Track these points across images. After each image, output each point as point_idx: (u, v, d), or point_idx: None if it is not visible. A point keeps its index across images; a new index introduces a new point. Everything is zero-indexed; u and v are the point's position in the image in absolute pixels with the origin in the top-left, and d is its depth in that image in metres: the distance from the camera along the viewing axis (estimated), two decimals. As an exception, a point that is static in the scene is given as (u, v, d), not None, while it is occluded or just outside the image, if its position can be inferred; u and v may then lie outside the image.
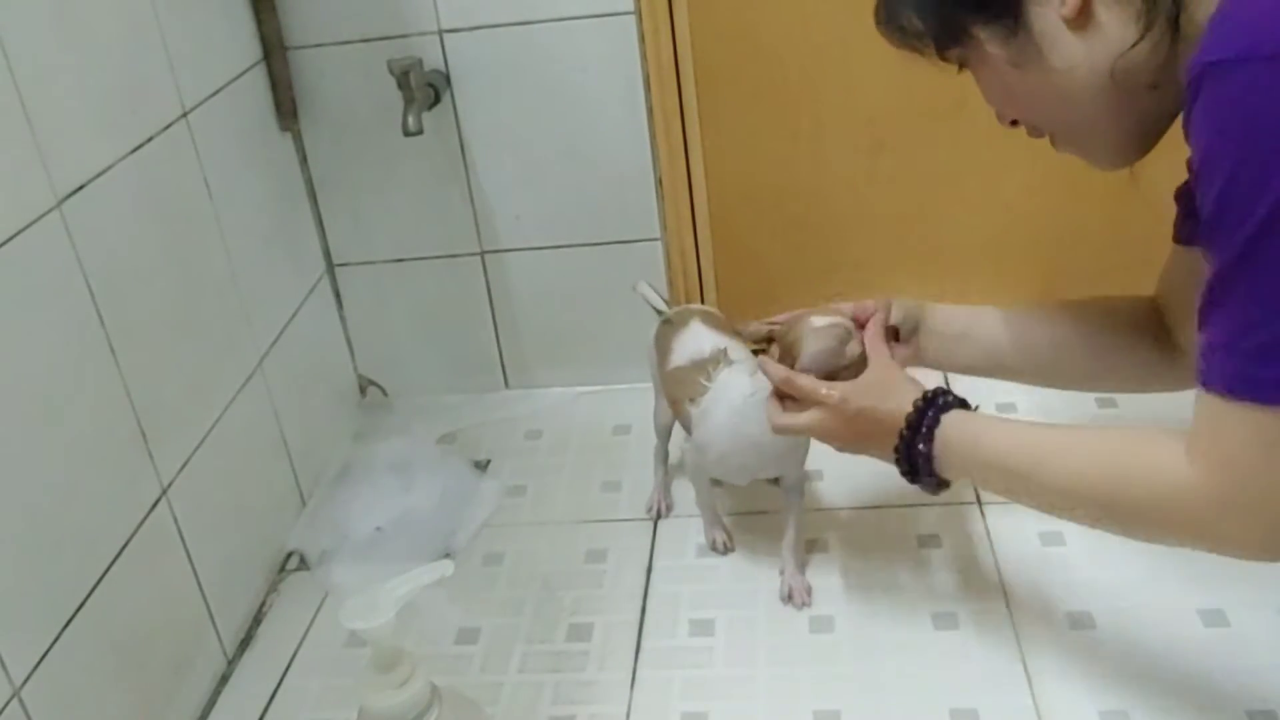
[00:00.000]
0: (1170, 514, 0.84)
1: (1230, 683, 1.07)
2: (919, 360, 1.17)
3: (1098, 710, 1.06)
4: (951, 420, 0.98)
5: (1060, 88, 0.82)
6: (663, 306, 1.40)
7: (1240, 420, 0.76)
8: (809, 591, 1.24)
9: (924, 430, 0.98)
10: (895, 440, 1.00)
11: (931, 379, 1.10)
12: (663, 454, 1.42)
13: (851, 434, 1.05)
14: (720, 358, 1.24)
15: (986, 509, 1.34)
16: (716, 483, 1.33)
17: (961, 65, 0.90)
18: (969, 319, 1.19)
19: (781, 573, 1.26)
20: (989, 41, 0.84)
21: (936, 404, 0.99)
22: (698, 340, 1.28)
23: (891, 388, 1.03)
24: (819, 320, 1.11)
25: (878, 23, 0.91)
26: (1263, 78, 0.66)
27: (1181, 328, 1.05)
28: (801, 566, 1.26)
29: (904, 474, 1.02)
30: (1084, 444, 0.92)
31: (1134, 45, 0.78)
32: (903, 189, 1.58)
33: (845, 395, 1.04)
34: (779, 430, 1.11)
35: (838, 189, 1.59)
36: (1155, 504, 0.85)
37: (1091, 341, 1.13)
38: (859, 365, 1.09)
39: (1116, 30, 0.78)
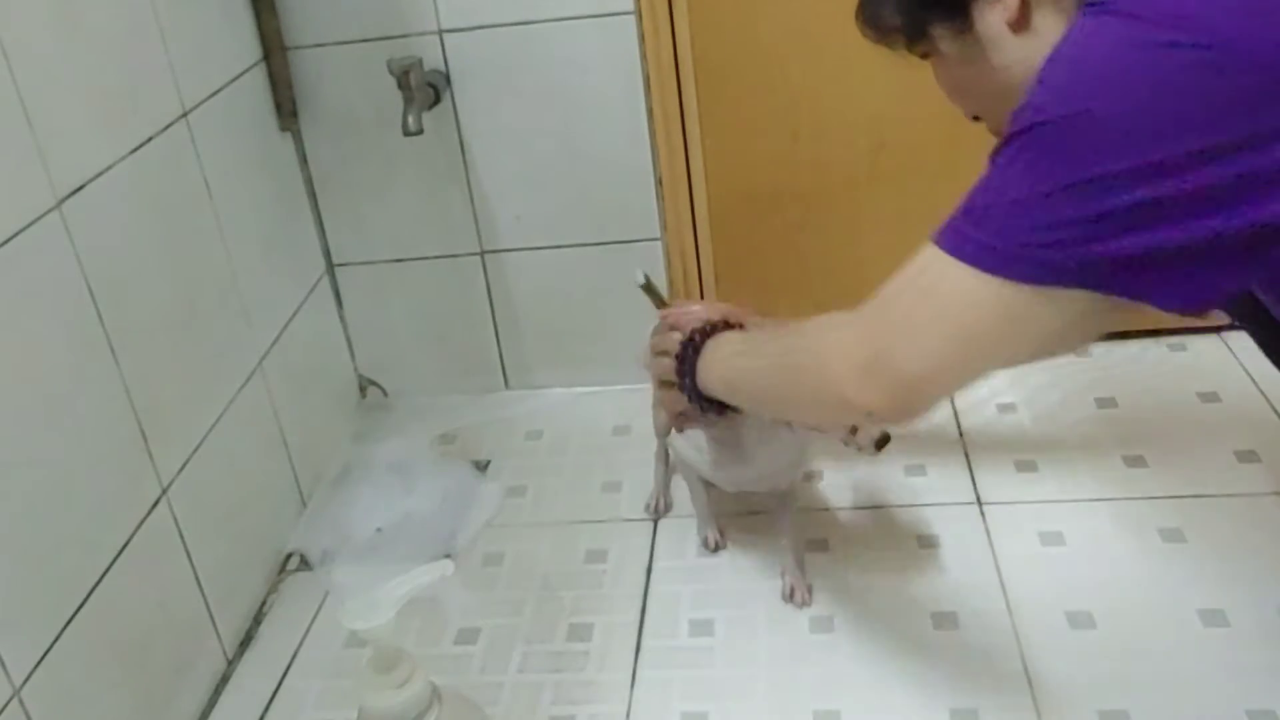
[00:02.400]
0: (823, 372, 0.90)
1: (1230, 683, 1.07)
2: None
3: (1098, 710, 1.06)
4: (719, 336, 1.08)
5: (1000, 84, 0.89)
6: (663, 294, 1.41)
7: (920, 263, 0.84)
8: (810, 590, 1.24)
9: (695, 340, 1.09)
10: (678, 350, 1.09)
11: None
12: (663, 454, 1.42)
13: (663, 343, 1.14)
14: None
15: (986, 509, 1.34)
16: (710, 483, 1.33)
17: (924, 57, 0.98)
18: None
19: (782, 574, 1.26)
20: (942, 39, 0.92)
21: (714, 326, 1.10)
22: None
23: (700, 320, 1.12)
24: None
25: (857, 18, 0.98)
26: (1111, 19, 0.77)
27: None
28: (801, 566, 1.26)
29: (680, 388, 1.10)
30: (783, 332, 1.01)
31: None
32: (903, 189, 1.58)
33: (674, 315, 1.17)
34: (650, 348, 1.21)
35: (838, 189, 1.59)
36: (811, 362, 0.93)
37: None
38: None
39: (1052, 32, 0.84)
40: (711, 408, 1.09)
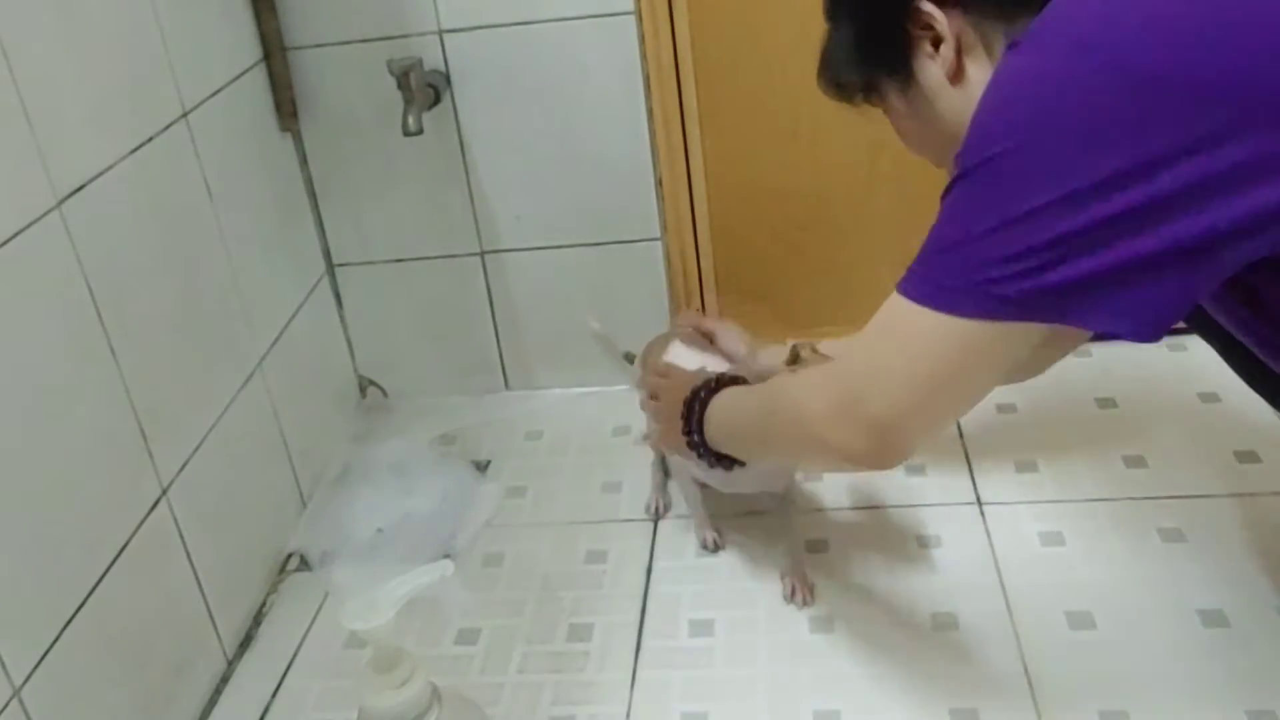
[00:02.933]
0: (803, 418, 0.93)
1: (1230, 683, 1.07)
2: None
3: (1098, 710, 1.06)
4: (721, 392, 1.12)
5: (947, 134, 0.91)
6: (617, 349, 1.46)
7: (887, 312, 0.86)
8: (811, 590, 1.24)
9: (700, 396, 1.12)
10: (682, 406, 1.13)
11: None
12: (659, 459, 1.42)
13: (667, 395, 1.19)
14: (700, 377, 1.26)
15: (986, 509, 1.34)
16: (704, 484, 1.33)
17: (884, 111, 1.01)
18: None
19: (783, 575, 1.26)
20: (890, 95, 0.97)
21: (719, 380, 1.13)
22: (677, 360, 1.29)
23: (702, 375, 1.17)
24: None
25: (819, 79, 1.03)
26: (1025, 53, 0.79)
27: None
28: (802, 566, 1.26)
29: (688, 443, 1.13)
30: (770, 383, 1.05)
31: None
32: (903, 189, 1.58)
33: (672, 369, 1.24)
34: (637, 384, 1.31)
35: (838, 189, 1.59)
36: (789, 410, 0.96)
37: None
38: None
39: (983, 81, 0.86)
40: (721, 460, 1.12)
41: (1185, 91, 0.72)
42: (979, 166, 0.79)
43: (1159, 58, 0.73)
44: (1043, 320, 0.79)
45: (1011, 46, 0.81)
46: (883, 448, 0.87)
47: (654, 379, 1.24)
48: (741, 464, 1.12)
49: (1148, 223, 0.74)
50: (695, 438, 1.12)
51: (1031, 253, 0.76)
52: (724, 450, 1.11)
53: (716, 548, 1.33)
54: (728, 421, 1.10)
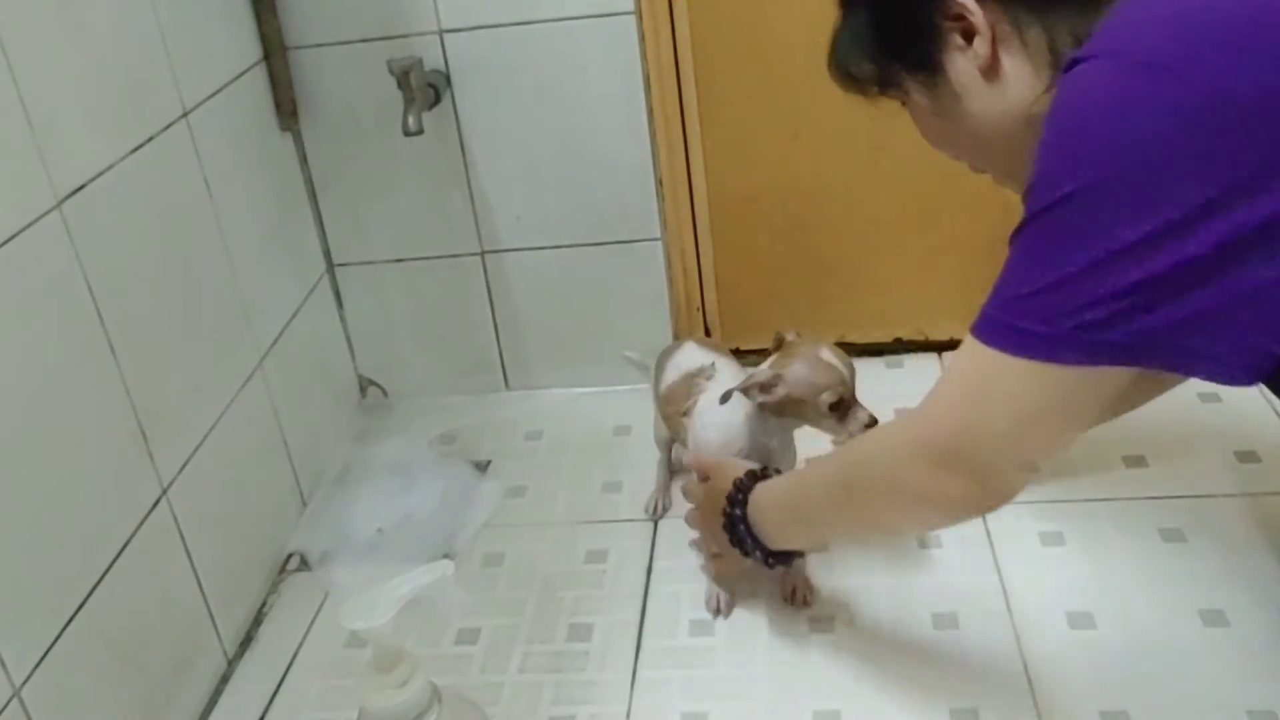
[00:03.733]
0: (896, 479, 0.90)
1: (1230, 683, 1.07)
2: None
3: (1098, 710, 1.06)
4: (756, 489, 1.10)
5: (977, 132, 0.89)
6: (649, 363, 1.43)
7: (971, 361, 0.82)
8: (811, 590, 1.24)
9: (740, 496, 1.10)
10: (723, 514, 1.11)
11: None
12: (665, 461, 1.42)
13: (708, 509, 1.16)
14: (708, 371, 1.27)
15: (986, 509, 1.34)
16: None
17: (902, 105, 0.96)
18: None
19: (783, 576, 1.26)
20: (914, 90, 0.92)
21: (755, 475, 1.11)
22: (689, 358, 1.31)
23: (724, 481, 1.14)
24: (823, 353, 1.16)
25: (829, 67, 0.98)
26: (1096, 72, 0.74)
27: None
28: (802, 567, 1.26)
29: (744, 553, 1.11)
30: (833, 453, 1.04)
31: (1046, 90, 0.83)
32: (903, 189, 1.58)
33: (695, 491, 1.20)
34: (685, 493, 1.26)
35: (838, 189, 1.59)
36: (879, 472, 0.93)
37: None
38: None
39: (1026, 78, 0.84)
40: (780, 559, 1.11)
41: (1273, 118, 0.69)
42: (1059, 204, 0.74)
43: (1245, 83, 0.70)
44: (1139, 365, 0.76)
45: (1075, 62, 0.76)
46: (993, 495, 0.86)
47: (690, 486, 1.23)
48: (801, 556, 1.11)
49: (1248, 256, 0.70)
50: (748, 544, 1.09)
51: (1125, 294, 0.73)
52: (785, 543, 1.09)
53: (726, 611, 1.24)
54: (787, 514, 1.07)
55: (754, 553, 1.10)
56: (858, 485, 0.97)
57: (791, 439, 1.24)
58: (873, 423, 1.14)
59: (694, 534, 1.28)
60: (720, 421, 1.21)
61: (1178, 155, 0.70)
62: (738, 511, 1.09)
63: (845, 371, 1.15)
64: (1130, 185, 0.72)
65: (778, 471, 1.13)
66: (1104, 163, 0.73)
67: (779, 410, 1.16)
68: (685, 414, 1.26)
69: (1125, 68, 0.73)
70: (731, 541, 1.11)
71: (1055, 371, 0.77)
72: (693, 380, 1.28)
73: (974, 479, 0.85)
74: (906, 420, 0.91)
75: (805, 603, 1.23)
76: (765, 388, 1.15)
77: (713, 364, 1.29)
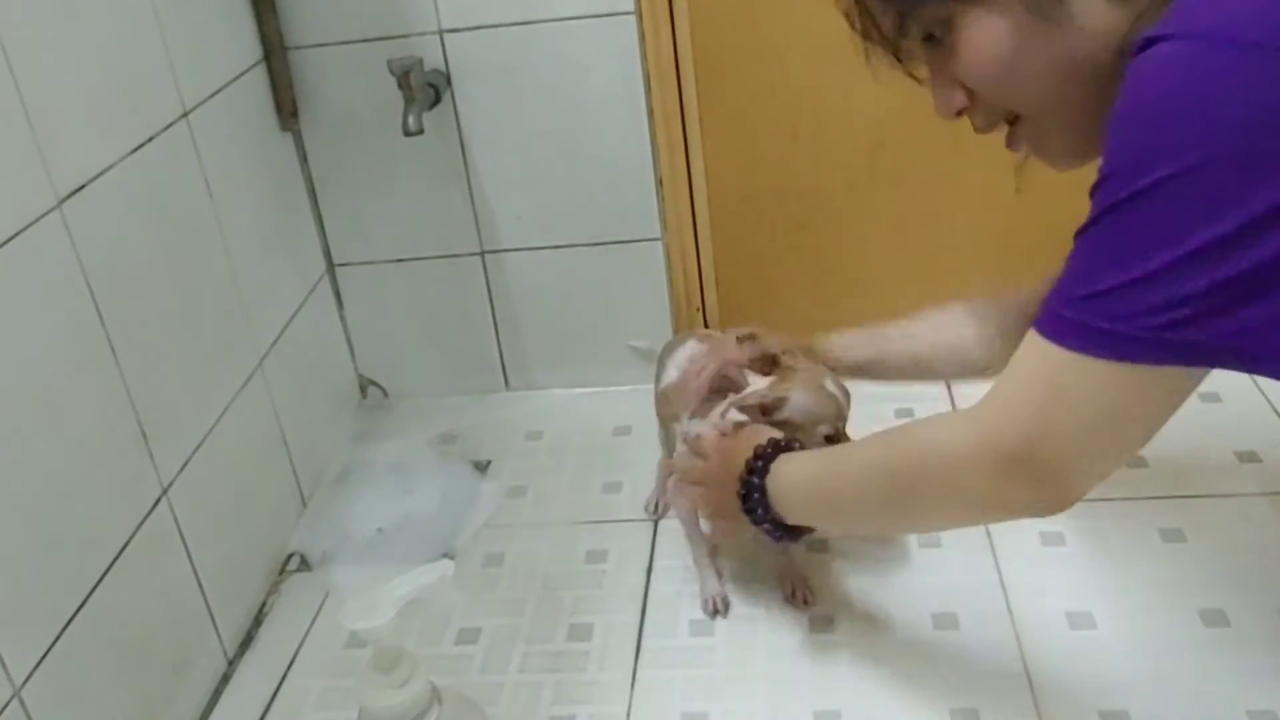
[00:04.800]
0: (956, 483, 0.86)
1: (1230, 683, 1.07)
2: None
3: (1098, 710, 1.06)
4: (782, 458, 1.04)
5: (1069, 54, 0.77)
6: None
7: (1038, 360, 0.78)
8: (812, 590, 1.24)
9: (760, 464, 1.04)
10: (738, 481, 1.06)
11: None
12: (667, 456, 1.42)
13: (720, 468, 1.11)
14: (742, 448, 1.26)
15: (987, 509, 1.34)
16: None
17: (915, 50, 0.84)
18: (868, 352, 1.25)
19: (782, 577, 1.26)
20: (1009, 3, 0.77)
21: (778, 445, 1.06)
22: (684, 358, 1.29)
23: (747, 440, 1.09)
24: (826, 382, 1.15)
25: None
26: (1191, 52, 0.68)
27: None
28: (801, 566, 1.26)
29: (751, 519, 1.06)
30: (872, 438, 0.97)
31: (1138, 18, 0.74)
32: (903, 189, 1.58)
33: (711, 440, 1.15)
34: (671, 466, 1.25)
35: (838, 189, 1.59)
36: (935, 469, 0.88)
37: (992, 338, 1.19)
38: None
39: (1145, 5, 0.74)
40: (789, 534, 1.06)
41: None
42: (1142, 194, 0.69)
43: None
44: (1219, 365, 0.72)
45: (1149, 42, 0.69)
46: (1060, 498, 0.82)
47: (690, 461, 1.18)
48: (811, 531, 1.07)
49: None
50: (760, 513, 1.04)
51: (1216, 290, 0.68)
52: (803, 521, 1.04)
53: (724, 611, 1.25)
54: (814, 494, 1.02)
55: (764, 523, 1.05)
56: (907, 483, 0.92)
57: None
58: None
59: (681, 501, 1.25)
60: (709, 425, 1.20)
61: (1273, 139, 0.65)
62: (755, 479, 1.04)
63: (844, 404, 1.14)
64: (1223, 172, 0.67)
65: (800, 445, 1.08)
66: (1193, 149, 0.67)
67: (786, 430, 1.15)
68: (676, 419, 1.26)
69: (1211, 47, 0.67)
70: (744, 508, 1.05)
71: (1131, 372, 0.73)
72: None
73: (1042, 484, 0.81)
74: (965, 421, 0.86)
75: (806, 602, 1.23)
76: (768, 410, 1.14)
77: (733, 434, 1.26)
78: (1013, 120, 0.86)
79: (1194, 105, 0.67)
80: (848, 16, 0.87)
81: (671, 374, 1.31)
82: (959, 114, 0.87)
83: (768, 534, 1.07)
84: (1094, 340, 0.74)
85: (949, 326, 1.21)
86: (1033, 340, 0.78)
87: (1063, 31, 0.76)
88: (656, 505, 1.41)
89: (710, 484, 1.14)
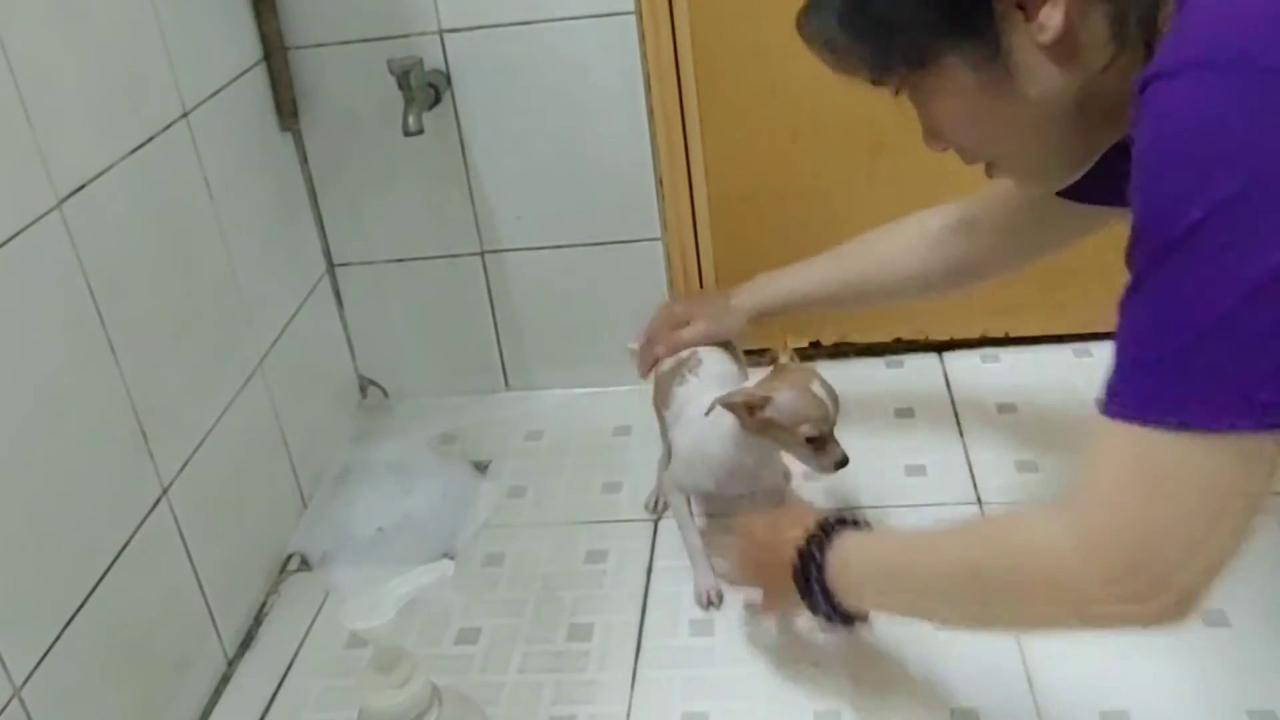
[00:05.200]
0: (1047, 583, 0.77)
1: (1230, 683, 1.07)
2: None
3: (1098, 710, 1.06)
4: (842, 538, 0.98)
5: (1029, 115, 0.79)
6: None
7: (1124, 447, 0.69)
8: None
9: (815, 553, 0.98)
10: (792, 569, 0.99)
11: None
12: (667, 454, 1.42)
13: (758, 559, 1.08)
14: (690, 362, 1.27)
15: (986, 509, 1.34)
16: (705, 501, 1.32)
17: (900, 91, 0.85)
18: (793, 294, 1.32)
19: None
20: (960, 67, 0.78)
21: (829, 526, 0.99)
22: (708, 366, 1.30)
23: (792, 518, 1.04)
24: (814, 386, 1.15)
25: (813, 40, 0.84)
26: (1200, 85, 0.64)
27: (989, 256, 1.19)
28: None
29: (809, 606, 1.00)
30: (957, 530, 0.90)
31: (1104, 69, 0.75)
32: (903, 189, 1.57)
33: (751, 525, 1.11)
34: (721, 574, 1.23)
35: (838, 189, 1.59)
36: (1032, 575, 0.79)
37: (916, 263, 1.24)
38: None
39: (1091, 57, 0.74)
40: (847, 621, 1.00)
41: None
42: (1187, 237, 0.63)
43: None
44: None
45: (1158, 76, 0.65)
46: (1188, 600, 0.74)
47: (730, 554, 1.15)
48: (865, 619, 1.03)
49: None
50: (820, 603, 0.97)
51: None
52: (870, 606, 0.99)
53: (718, 603, 1.25)
54: (890, 585, 0.95)
55: (822, 608, 0.98)
56: (999, 586, 0.83)
57: (776, 459, 1.24)
58: (844, 462, 1.13)
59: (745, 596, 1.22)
60: (702, 426, 1.20)
61: None
62: (813, 568, 0.97)
63: (830, 407, 1.13)
64: (1259, 200, 0.62)
65: (854, 523, 1.00)
66: (1223, 184, 0.62)
67: (759, 430, 1.16)
68: (665, 405, 1.26)
69: (1218, 74, 0.63)
70: (801, 591, 0.99)
71: (1228, 443, 0.66)
72: (678, 371, 1.28)
73: (1156, 592, 0.73)
74: (1061, 522, 0.76)
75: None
76: (752, 408, 1.14)
77: (695, 353, 1.29)
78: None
79: (1212, 137, 0.63)
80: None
81: (665, 362, 1.32)
82: (941, 150, 0.88)
83: (827, 621, 1.01)
84: (1179, 410, 0.66)
85: (874, 244, 1.27)
86: (1110, 428, 0.70)
87: (1015, 99, 0.78)
88: (656, 503, 1.41)
89: (759, 575, 1.10)
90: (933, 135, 0.87)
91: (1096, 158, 0.86)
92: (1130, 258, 0.68)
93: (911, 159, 1.56)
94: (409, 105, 1.43)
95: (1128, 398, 0.69)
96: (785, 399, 1.13)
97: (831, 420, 1.14)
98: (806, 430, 1.13)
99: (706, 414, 1.17)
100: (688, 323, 1.33)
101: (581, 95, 1.50)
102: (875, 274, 1.27)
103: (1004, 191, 1.12)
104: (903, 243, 1.24)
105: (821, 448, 1.13)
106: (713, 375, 1.26)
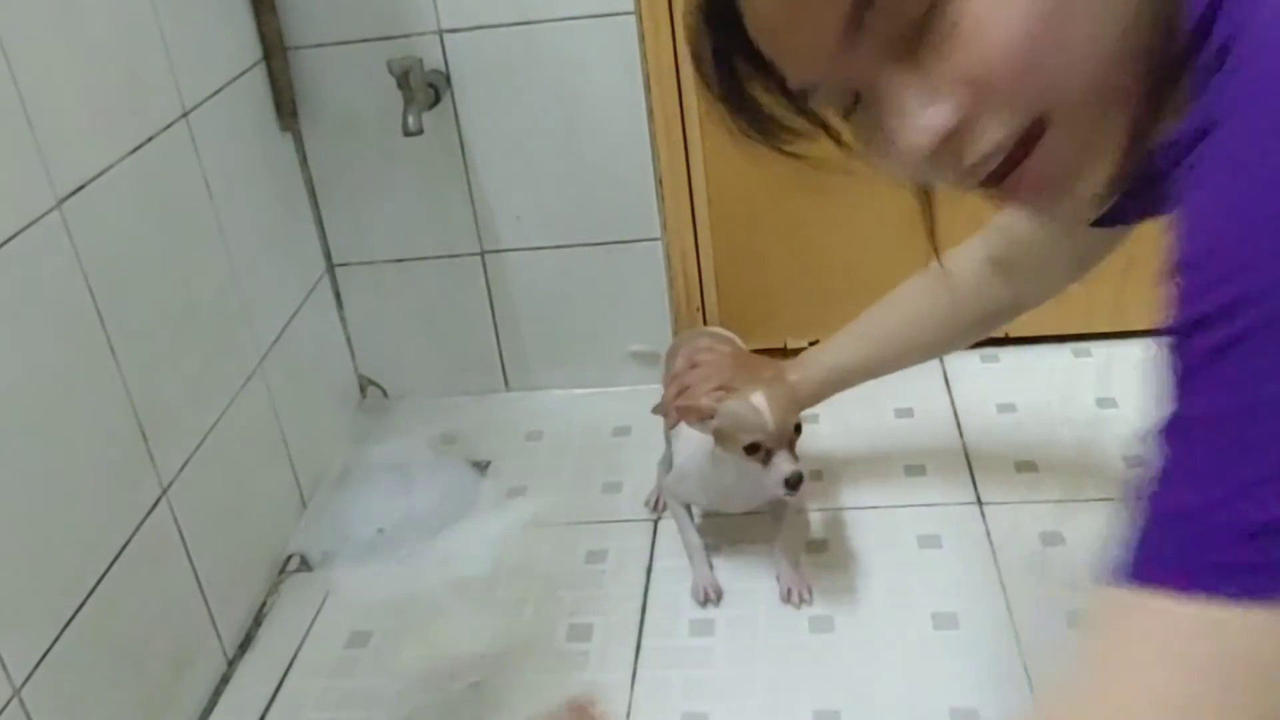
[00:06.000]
0: None
1: (1230, 683, 1.07)
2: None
3: (1098, 710, 1.06)
4: None
5: (1125, 16, 0.52)
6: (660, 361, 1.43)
7: (1147, 624, 0.48)
8: (810, 590, 1.24)
9: None
10: None
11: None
12: (667, 456, 1.42)
13: None
14: None
15: (986, 509, 1.34)
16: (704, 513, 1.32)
17: (904, 37, 0.54)
18: (848, 356, 1.26)
19: (778, 577, 1.26)
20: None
21: None
22: (691, 350, 1.30)
23: None
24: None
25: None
26: (1251, 151, 0.46)
27: (1028, 292, 1.11)
28: (796, 567, 1.26)
29: None
30: None
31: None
32: (902, 189, 1.57)
33: None
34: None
35: (838, 189, 1.59)
36: None
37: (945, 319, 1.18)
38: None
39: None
40: None
41: None
42: (1242, 339, 0.44)
43: None
44: None
45: (1202, 132, 0.48)
46: None
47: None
48: None
49: None
50: None
51: None
52: None
53: (715, 599, 1.25)
54: None
55: None
56: None
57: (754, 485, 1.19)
58: (794, 480, 1.11)
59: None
60: (694, 441, 1.21)
61: None
62: None
63: (768, 419, 1.11)
64: None
65: None
66: None
67: (721, 443, 1.16)
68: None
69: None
70: None
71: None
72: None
73: None
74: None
75: (804, 601, 1.23)
76: (702, 415, 1.16)
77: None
78: (1029, 138, 0.56)
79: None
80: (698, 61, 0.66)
81: (679, 364, 1.31)
82: (940, 142, 0.56)
83: None
84: (1238, 577, 0.45)
85: (911, 301, 1.21)
86: (1129, 601, 0.48)
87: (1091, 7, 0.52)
88: (656, 502, 1.41)
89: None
90: (930, 103, 0.55)
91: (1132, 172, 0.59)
92: (1174, 358, 0.48)
93: (911, 159, 1.56)
94: (409, 105, 1.43)
95: (1159, 562, 0.48)
96: (728, 408, 1.14)
97: (770, 432, 1.11)
98: (745, 439, 1.12)
99: (654, 412, 1.18)
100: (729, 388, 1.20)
101: (581, 95, 1.50)
102: (912, 338, 1.22)
103: (1028, 227, 1.04)
104: (935, 302, 1.18)
105: (767, 461, 1.12)
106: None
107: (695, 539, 1.29)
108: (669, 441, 1.37)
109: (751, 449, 1.12)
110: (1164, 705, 0.47)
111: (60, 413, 1.02)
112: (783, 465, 1.11)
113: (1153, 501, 0.49)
